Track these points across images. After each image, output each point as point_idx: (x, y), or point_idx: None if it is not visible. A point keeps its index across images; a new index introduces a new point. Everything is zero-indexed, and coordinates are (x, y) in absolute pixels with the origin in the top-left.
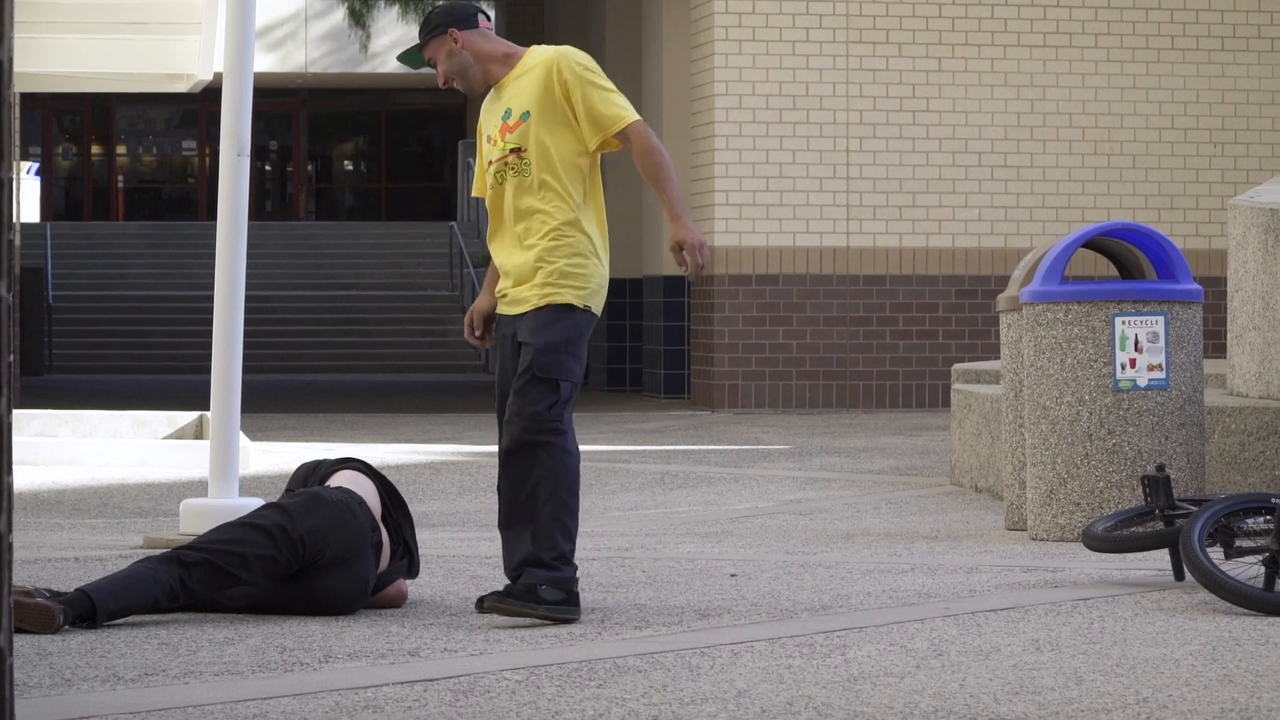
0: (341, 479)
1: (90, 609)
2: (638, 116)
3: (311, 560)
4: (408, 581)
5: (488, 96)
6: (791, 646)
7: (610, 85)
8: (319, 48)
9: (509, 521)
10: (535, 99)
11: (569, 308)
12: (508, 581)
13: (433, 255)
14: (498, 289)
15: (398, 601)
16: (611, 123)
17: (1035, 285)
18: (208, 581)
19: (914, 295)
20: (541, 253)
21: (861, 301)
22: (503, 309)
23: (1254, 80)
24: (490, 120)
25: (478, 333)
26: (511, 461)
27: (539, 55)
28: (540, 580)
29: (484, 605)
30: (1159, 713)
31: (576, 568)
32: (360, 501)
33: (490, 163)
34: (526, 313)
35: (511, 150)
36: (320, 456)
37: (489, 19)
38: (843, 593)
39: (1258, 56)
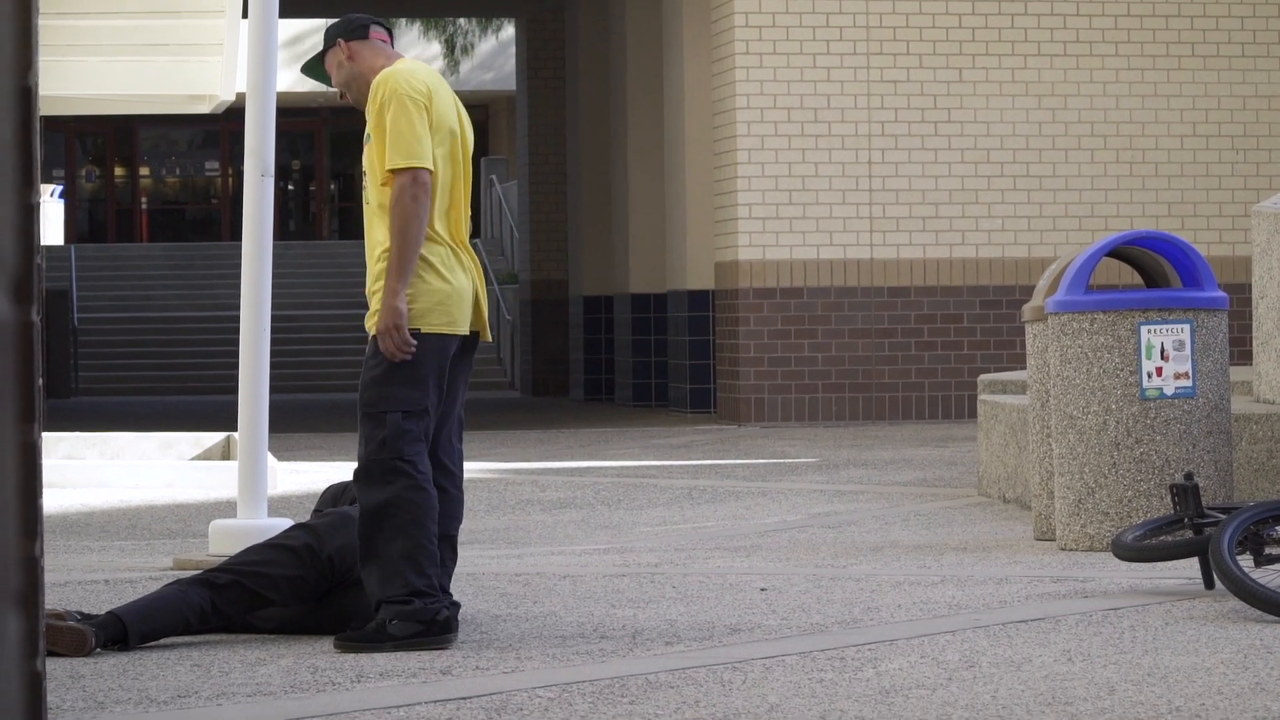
0: None
1: (122, 632)
2: (405, 164)
3: (340, 579)
4: None
5: None
6: (823, 660)
7: (409, 117)
8: None
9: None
10: (371, 121)
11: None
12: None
13: None
14: None
15: None
16: (384, 168)
17: (1060, 295)
18: (238, 603)
19: (939, 306)
20: (373, 278)
21: (886, 313)
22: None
23: (1275, 86)
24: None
25: None
26: (358, 493)
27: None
28: (390, 616)
29: (334, 644)
30: None
31: (431, 592)
32: None
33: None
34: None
35: (363, 173)
36: (349, 477)
37: (386, 31)
38: (873, 605)
39: (1279, 62)
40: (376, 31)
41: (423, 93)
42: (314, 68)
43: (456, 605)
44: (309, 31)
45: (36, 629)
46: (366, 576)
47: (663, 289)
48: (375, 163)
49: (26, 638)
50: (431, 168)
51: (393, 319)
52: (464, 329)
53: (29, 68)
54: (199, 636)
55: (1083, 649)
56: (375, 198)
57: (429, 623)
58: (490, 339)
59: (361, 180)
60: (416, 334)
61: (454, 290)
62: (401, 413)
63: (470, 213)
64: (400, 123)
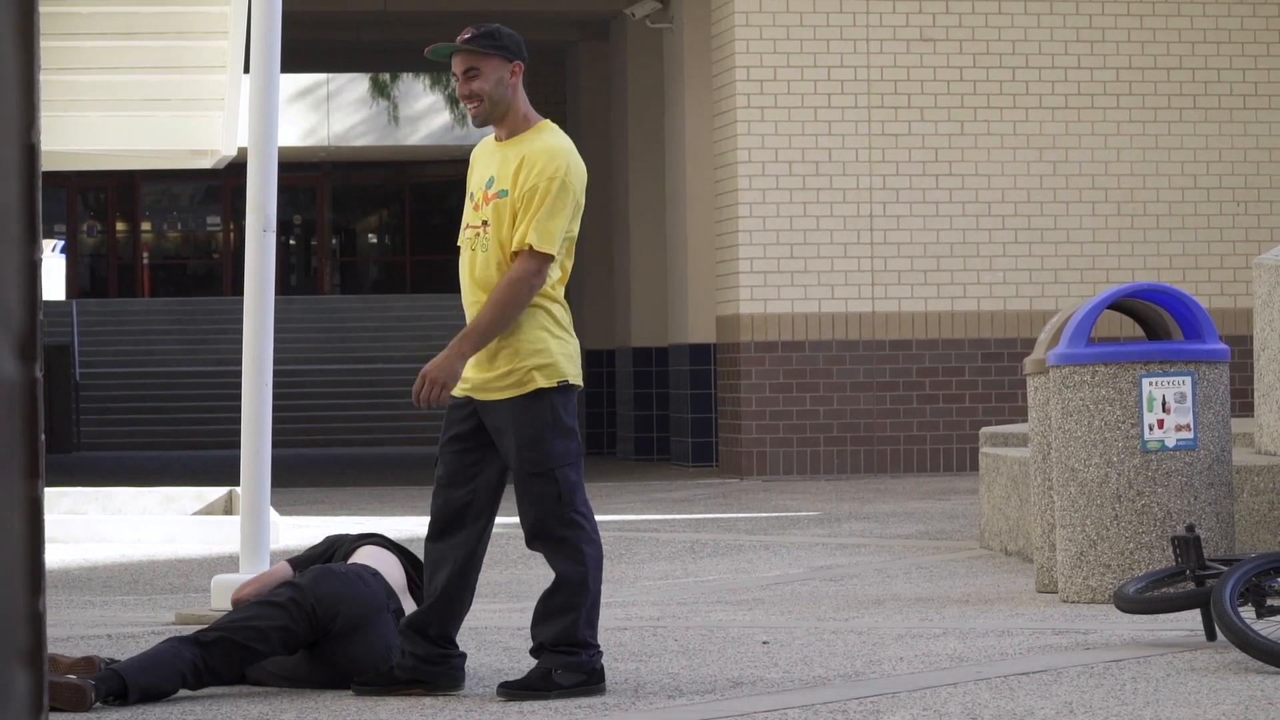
0: (363, 555)
1: (122, 686)
2: (545, 249)
3: (325, 628)
4: None
5: (486, 142)
6: (825, 713)
7: (568, 210)
8: (342, 121)
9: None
10: (512, 181)
11: (537, 395)
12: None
13: (458, 327)
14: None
15: None
16: (520, 240)
17: (1062, 348)
18: (228, 658)
19: (940, 359)
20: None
21: (888, 366)
22: (465, 385)
23: (1277, 139)
24: (480, 175)
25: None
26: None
27: (544, 137)
28: (556, 665)
29: (500, 692)
30: None
31: (596, 645)
32: (374, 572)
33: (469, 225)
34: (499, 401)
35: (483, 222)
36: (344, 531)
37: None
38: (875, 658)
39: None
40: None
41: (583, 188)
42: (442, 52)
43: (462, 656)
44: (313, 84)
45: (42, 685)
46: (543, 621)
47: (664, 343)
48: (505, 219)
49: (33, 694)
50: (557, 257)
51: (446, 378)
52: (581, 382)
53: (32, 125)
54: (201, 691)
55: (1085, 701)
56: (490, 253)
57: (591, 672)
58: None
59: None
60: (565, 385)
61: (575, 348)
62: (569, 466)
63: None
64: (560, 211)
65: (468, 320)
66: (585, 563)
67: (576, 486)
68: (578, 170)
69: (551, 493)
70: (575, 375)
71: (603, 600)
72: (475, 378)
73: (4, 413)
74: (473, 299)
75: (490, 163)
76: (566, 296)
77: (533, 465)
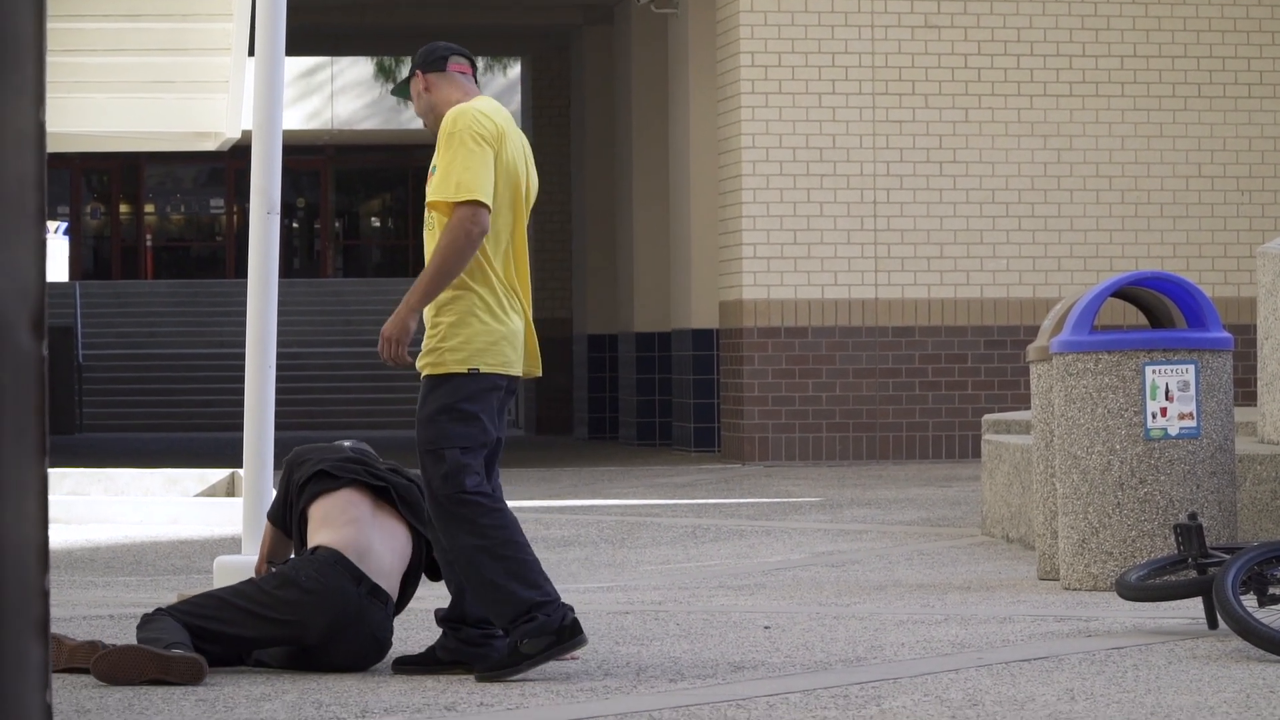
0: (325, 511)
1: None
2: (464, 196)
3: (302, 645)
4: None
5: None
6: (826, 698)
7: (472, 155)
8: (346, 104)
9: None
10: (437, 154)
11: (446, 377)
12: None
13: None
14: None
15: None
16: (433, 194)
17: (1065, 335)
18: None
19: (943, 346)
20: (433, 315)
21: (890, 353)
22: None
23: None
24: None
25: None
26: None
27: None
28: (520, 636)
29: (478, 678)
30: None
31: (549, 600)
32: (335, 561)
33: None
34: (425, 376)
35: (428, 204)
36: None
37: (468, 62)
38: (876, 644)
39: None
40: (456, 63)
41: (493, 134)
42: (403, 90)
43: (503, 636)
44: (317, 67)
45: (48, 660)
46: (489, 612)
47: (667, 328)
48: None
49: (42, 668)
50: (491, 206)
51: (399, 333)
52: (516, 370)
53: (41, 102)
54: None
55: (1086, 688)
56: (433, 230)
57: (557, 631)
58: (540, 374)
59: (422, 218)
60: (475, 373)
61: (508, 332)
62: (460, 449)
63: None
64: (468, 159)
65: None
66: (485, 534)
67: (466, 468)
68: (477, 118)
69: (438, 471)
70: (493, 363)
71: (605, 584)
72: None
73: (22, 387)
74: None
75: None
76: (567, 279)
77: (424, 443)
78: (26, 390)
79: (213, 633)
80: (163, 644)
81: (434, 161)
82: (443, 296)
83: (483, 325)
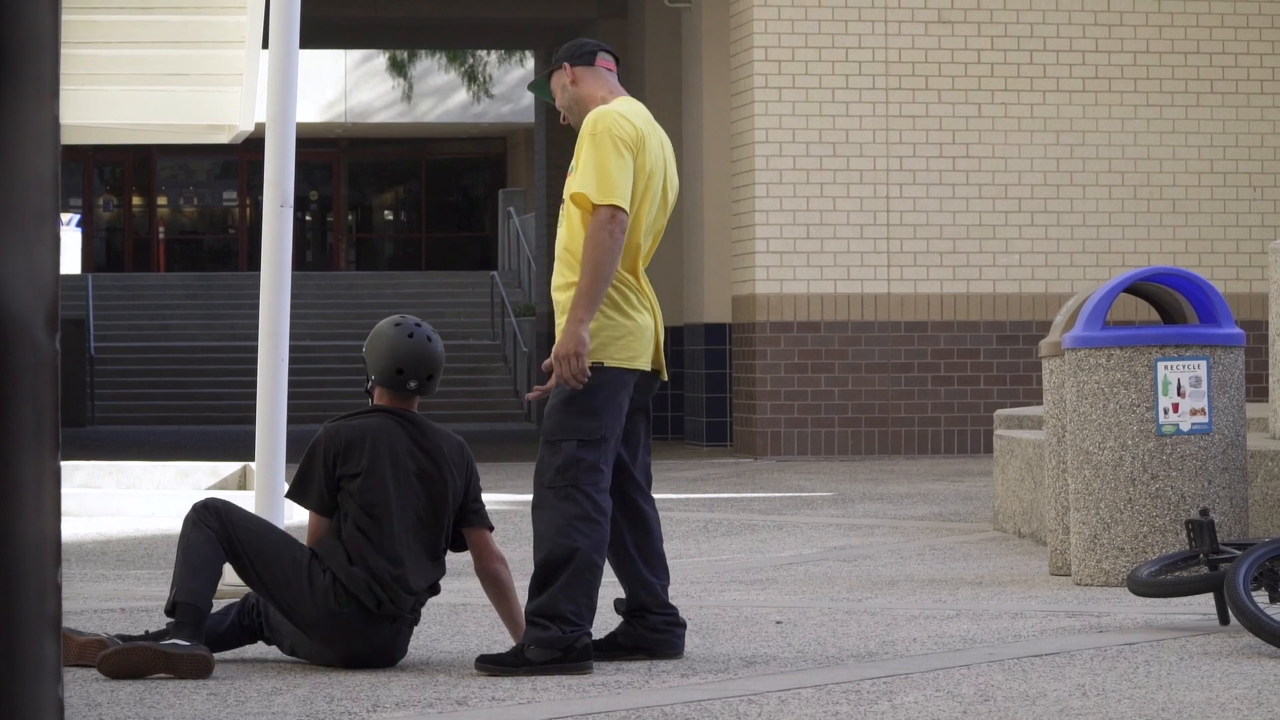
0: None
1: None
2: (603, 200)
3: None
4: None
5: None
6: (838, 693)
7: (612, 158)
8: (360, 97)
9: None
10: (578, 152)
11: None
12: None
13: (474, 305)
14: None
15: (483, 554)
16: (568, 189)
17: (1077, 331)
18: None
19: (955, 341)
20: (560, 310)
21: (903, 348)
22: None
23: None
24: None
25: None
26: (534, 519)
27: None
28: (529, 641)
29: (477, 665)
30: None
31: (578, 624)
32: (363, 590)
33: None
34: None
35: (562, 200)
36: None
37: (614, 59)
38: (888, 639)
39: None
40: (603, 59)
41: (633, 138)
42: (541, 86)
43: (683, 625)
44: (330, 62)
45: (60, 655)
46: (530, 588)
47: (680, 322)
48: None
49: (56, 663)
50: (628, 209)
51: (574, 346)
52: (645, 364)
53: (56, 98)
54: (216, 665)
55: (1097, 684)
56: (573, 222)
57: (567, 649)
58: (667, 378)
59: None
60: (599, 366)
61: (636, 327)
62: (577, 441)
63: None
64: (606, 161)
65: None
66: (574, 538)
67: (581, 463)
68: (619, 121)
69: (553, 462)
70: (619, 358)
71: (615, 578)
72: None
73: (39, 384)
74: (560, 269)
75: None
76: None
77: (545, 433)
78: (43, 387)
79: (246, 565)
80: (169, 638)
81: (574, 161)
82: (571, 294)
83: (608, 320)
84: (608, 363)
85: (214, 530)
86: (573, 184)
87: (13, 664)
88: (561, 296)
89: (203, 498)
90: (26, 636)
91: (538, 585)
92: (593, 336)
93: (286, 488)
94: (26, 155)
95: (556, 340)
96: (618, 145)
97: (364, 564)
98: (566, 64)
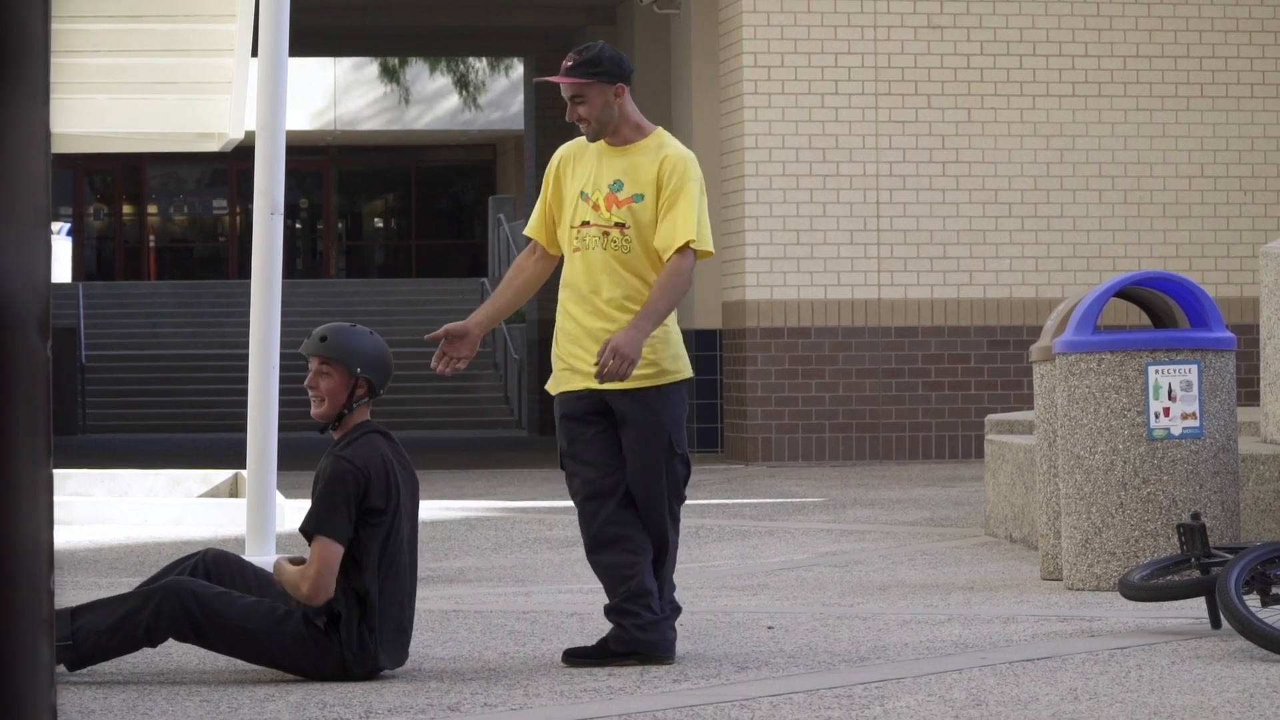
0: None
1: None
2: (703, 247)
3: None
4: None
5: (589, 150)
6: (830, 698)
7: (702, 205)
8: (349, 104)
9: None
10: (650, 185)
11: (680, 384)
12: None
13: (464, 311)
14: (566, 355)
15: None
16: (665, 239)
17: (1068, 335)
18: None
19: (946, 347)
20: (607, 321)
21: (894, 353)
22: (586, 383)
23: None
24: (592, 180)
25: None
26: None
27: (666, 143)
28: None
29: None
30: None
31: (664, 616)
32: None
33: (586, 223)
34: (641, 389)
35: (617, 224)
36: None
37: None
38: (880, 644)
39: None
40: None
41: (703, 182)
42: (573, 84)
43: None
44: (319, 70)
45: (54, 660)
46: (665, 580)
47: None
48: (647, 221)
49: (51, 668)
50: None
51: (636, 354)
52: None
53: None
54: (210, 671)
55: (1089, 688)
56: (641, 252)
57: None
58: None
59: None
60: (681, 382)
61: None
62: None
63: None
64: (700, 208)
65: (572, 319)
66: (676, 532)
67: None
68: (697, 168)
69: (682, 473)
70: (687, 372)
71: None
72: None
73: (34, 387)
74: (608, 294)
75: (603, 172)
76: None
77: (678, 445)
78: (38, 391)
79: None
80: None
81: (639, 190)
82: (620, 297)
83: (678, 332)
84: (682, 376)
85: (174, 622)
86: (677, 227)
87: (11, 668)
88: (631, 307)
89: (174, 577)
90: (23, 640)
91: (660, 576)
92: (679, 348)
93: (279, 496)
94: (21, 159)
95: (620, 336)
96: (702, 192)
97: (391, 613)
98: (621, 84)
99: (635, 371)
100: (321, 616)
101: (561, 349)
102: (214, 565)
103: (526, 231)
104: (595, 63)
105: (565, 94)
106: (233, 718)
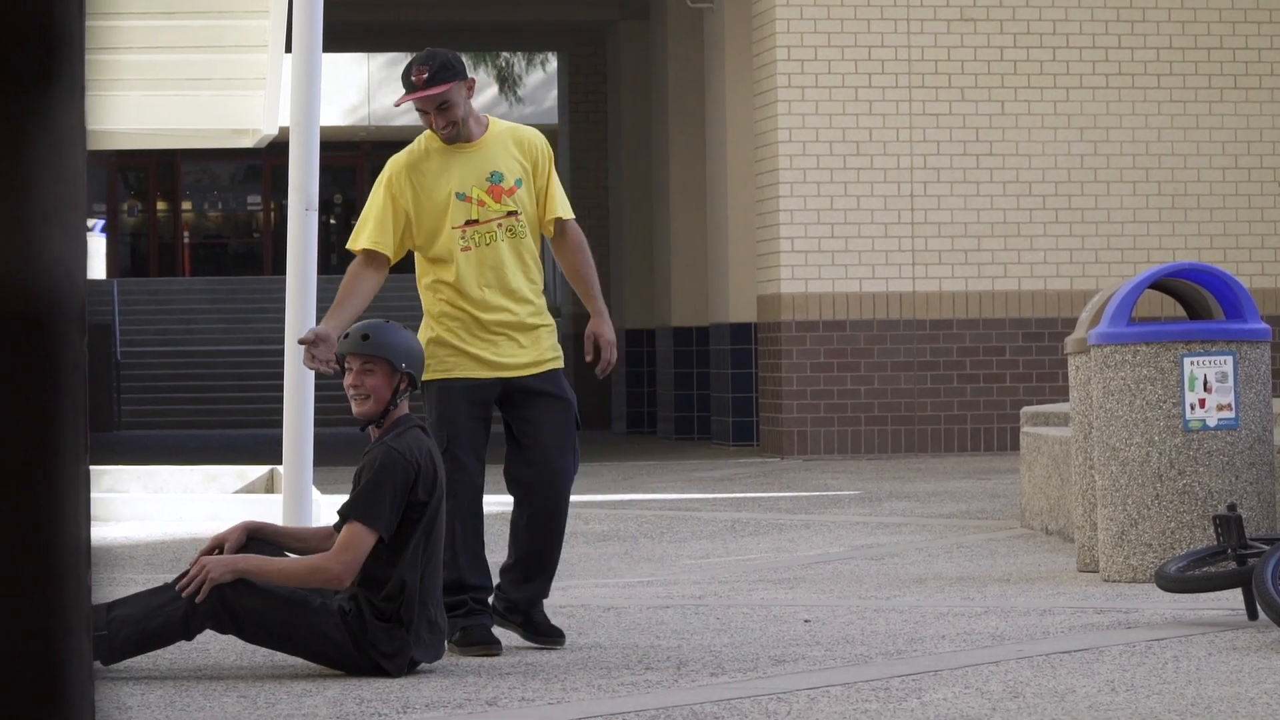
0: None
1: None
2: (569, 216)
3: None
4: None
5: (431, 155)
6: (867, 691)
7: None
8: (383, 100)
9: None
10: (522, 170)
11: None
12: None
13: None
14: (467, 346)
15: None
16: (563, 210)
17: (1103, 327)
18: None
19: (980, 339)
20: (542, 313)
21: (928, 346)
22: (494, 372)
23: None
24: (460, 180)
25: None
26: (560, 516)
27: (509, 126)
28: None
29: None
30: None
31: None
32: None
33: (473, 221)
34: (548, 371)
35: (510, 213)
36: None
37: None
38: (916, 636)
39: None
40: None
41: None
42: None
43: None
44: (353, 65)
45: (93, 657)
46: (546, 583)
47: (705, 322)
48: (531, 210)
49: (91, 664)
50: None
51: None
52: None
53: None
54: (247, 667)
55: (1126, 680)
56: (531, 236)
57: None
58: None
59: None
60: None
61: None
62: None
63: None
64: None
65: (466, 314)
66: None
67: None
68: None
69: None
70: None
71: (645, 579)
72: (522, 357)
73: (74, 383)
74: (515, 283)
75: (465, 165)
76: (604, 274)
77: (575, 430)
78: (81, 386)
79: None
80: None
81: (516, 175)
82: (540, 289)
83: None
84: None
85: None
86: (560, 207)
87: (54, 665)
88: (539, 302)
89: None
90: (70, 636)
91: (555, 567)
92: (553, 335)
93: (315, 492)
94: (64, 156)
95: (607, 328)
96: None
97: (429, 606)
98: (471, 78)
99: (551, 354)
100: (356, 606)
101: (458, 339)
102: (250, 550)
103: (366, 245)
104: (449, 65)
105: (432, 105)
106: (270, 713)
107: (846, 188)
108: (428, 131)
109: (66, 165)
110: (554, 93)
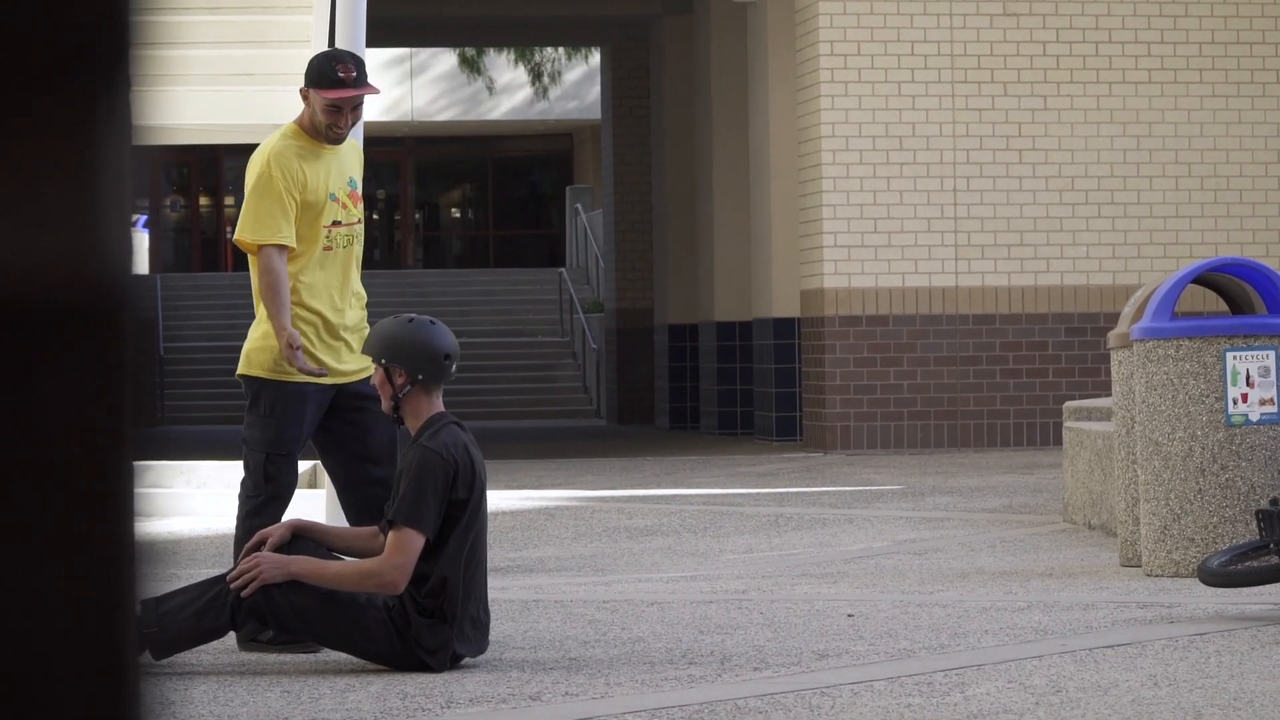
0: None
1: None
2: None
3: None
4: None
5: (304, 153)
6: (910, 685)
7: None
8: (425, 95)
9: None
10: (359, 177)
11: None
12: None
13: (542, 301)
14: (323, 351)
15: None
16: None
17: (1146, 322)
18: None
19: (1023, 334)
20: (365, 319)
21: (971, 341)
22: (341, 376)
23: None
24: (328, 180)
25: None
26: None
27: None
28: None
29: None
30: None
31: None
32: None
33: (338, 223)
34: (369, 377)
35: (358, 220)
36: None
37: None
38: (960, 631)
39: None
40: None
41: None
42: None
43: None
44: (395, 61)
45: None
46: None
47: (748, 317)
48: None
49: (138, 661)
50: None
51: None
52: None
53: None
54: (290, 661)
55: (1169, 674)
56: (360, 239)
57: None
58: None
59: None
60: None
61: None
62: None
63: None
64: None
65: (321, 316)
66: None
67: None
68: None
69: None
70: None
71: (688, 574)
72: (354, 363)
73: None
74: (356, 286)
75: (332, 166)
76: (648, 269)
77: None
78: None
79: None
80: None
81: (360, 181)
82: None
83: None
84: None
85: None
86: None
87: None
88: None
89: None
90: (124, 634)
91: None
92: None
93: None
94: (121, 150)
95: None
96: None
97: (472, 601)
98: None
99: (368, 360)
100: (400, 602)
101: (309, 343)
102: (294, 548)
103: (287, 241)
104: (363, 68)
105: (352, 105)
106: (314, 708)
107: (889, 183)
108: (291, 126)
109: (127, 160)
110: (597, 88)
